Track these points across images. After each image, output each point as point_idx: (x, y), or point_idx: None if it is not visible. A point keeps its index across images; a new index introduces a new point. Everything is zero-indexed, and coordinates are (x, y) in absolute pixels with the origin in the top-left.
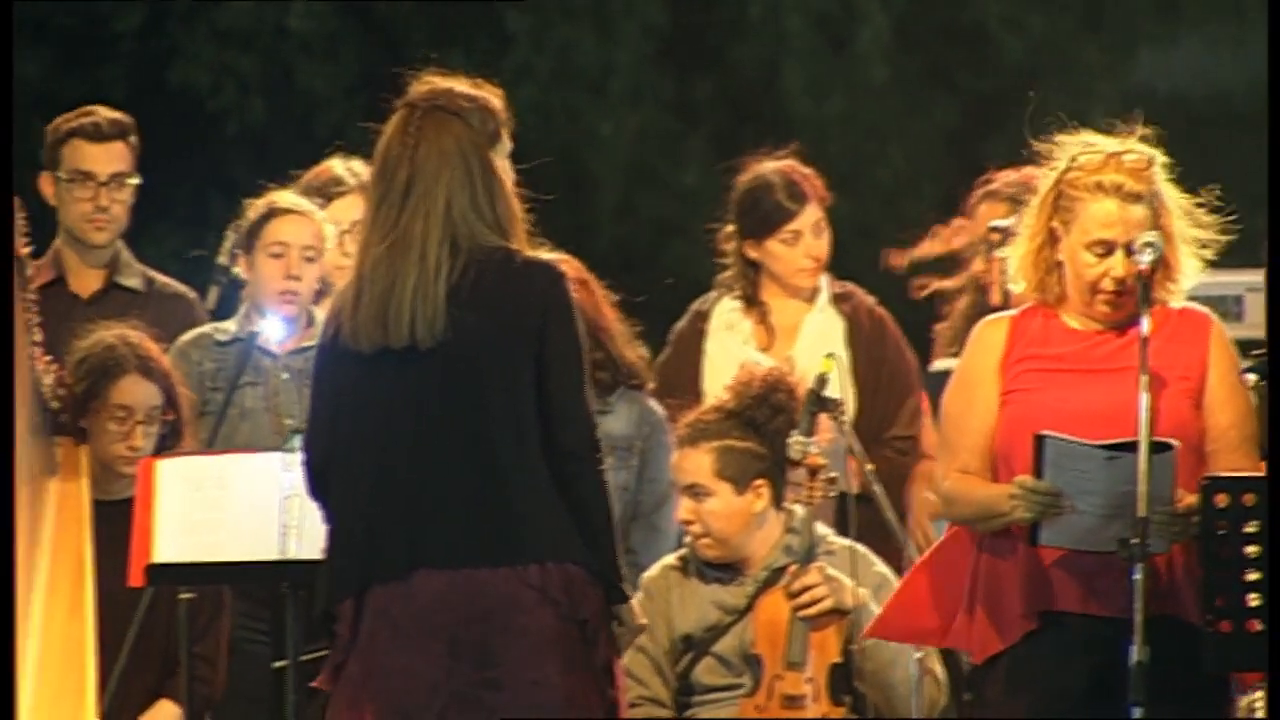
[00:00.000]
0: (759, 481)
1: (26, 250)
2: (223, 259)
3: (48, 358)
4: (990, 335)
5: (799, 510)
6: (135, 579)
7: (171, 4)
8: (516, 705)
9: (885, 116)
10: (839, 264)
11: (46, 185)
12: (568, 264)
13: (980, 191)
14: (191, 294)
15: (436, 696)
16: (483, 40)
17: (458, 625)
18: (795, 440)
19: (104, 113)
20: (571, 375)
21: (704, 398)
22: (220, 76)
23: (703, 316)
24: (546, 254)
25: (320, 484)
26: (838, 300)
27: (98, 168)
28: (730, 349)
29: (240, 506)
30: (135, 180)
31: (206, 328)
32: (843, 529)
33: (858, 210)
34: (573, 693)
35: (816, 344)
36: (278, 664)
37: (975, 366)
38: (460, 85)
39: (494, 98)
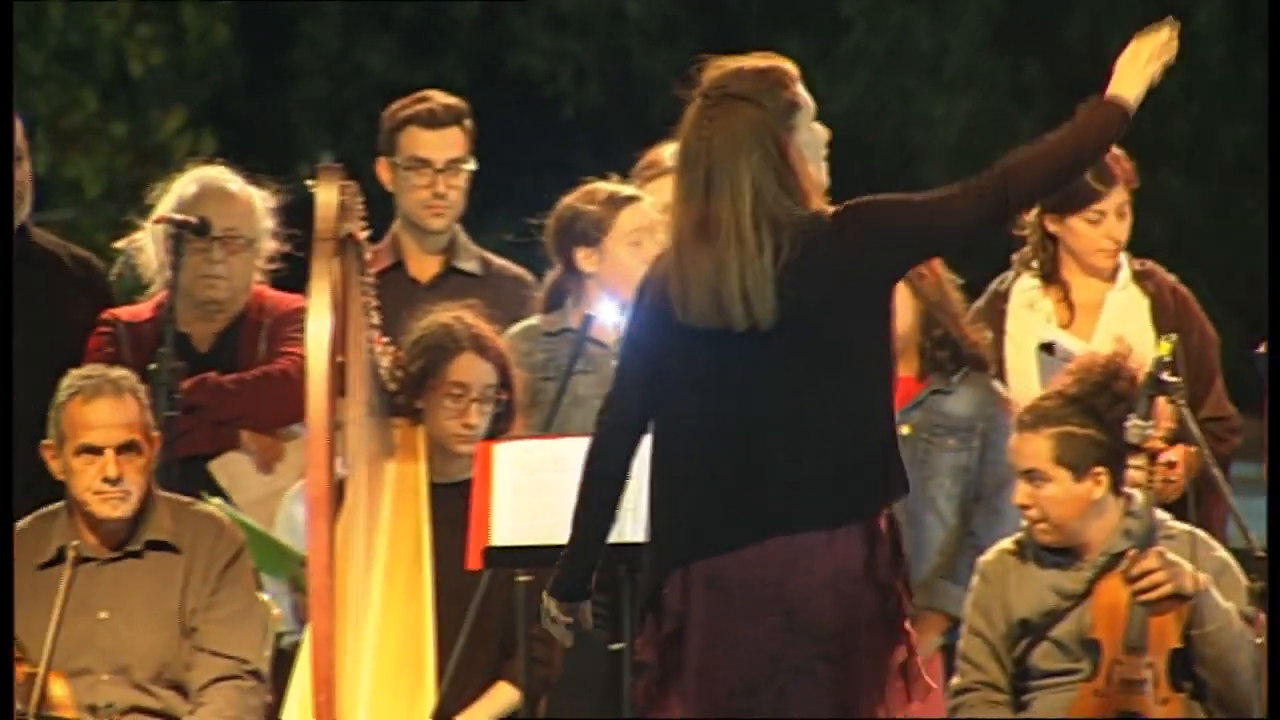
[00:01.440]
0: (1098, 469)
1: (365, 235)
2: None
3: (385, 340)
4: None
5: (1138, 495)
6: (473, 561)
7: None
8: (852, 679)
9: (1223, 93)
10: (1178, 239)
11: (384, 171)
12: None
13: None
14: (529, 276)
15: (777, 669)
16: (819, 23)
17: (796, 598)
18: (1133, 424)
19: (439, 98)
20: None
21: (1006, 377)
22: (557, 62)
23: (1002, 296)
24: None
25: (616, 441)
26: (1139, 278)
27: (434, 154)
28: (1031, 328)
29: (576, 490)
30: (471, 165)
31: (534, 319)
32: (1181, 514)
33: (1194, 187)
34: (894, 662)
35: (1119, 322)
36: (614, 646)
37: None
38: (748, 63)
39: (784, 67)
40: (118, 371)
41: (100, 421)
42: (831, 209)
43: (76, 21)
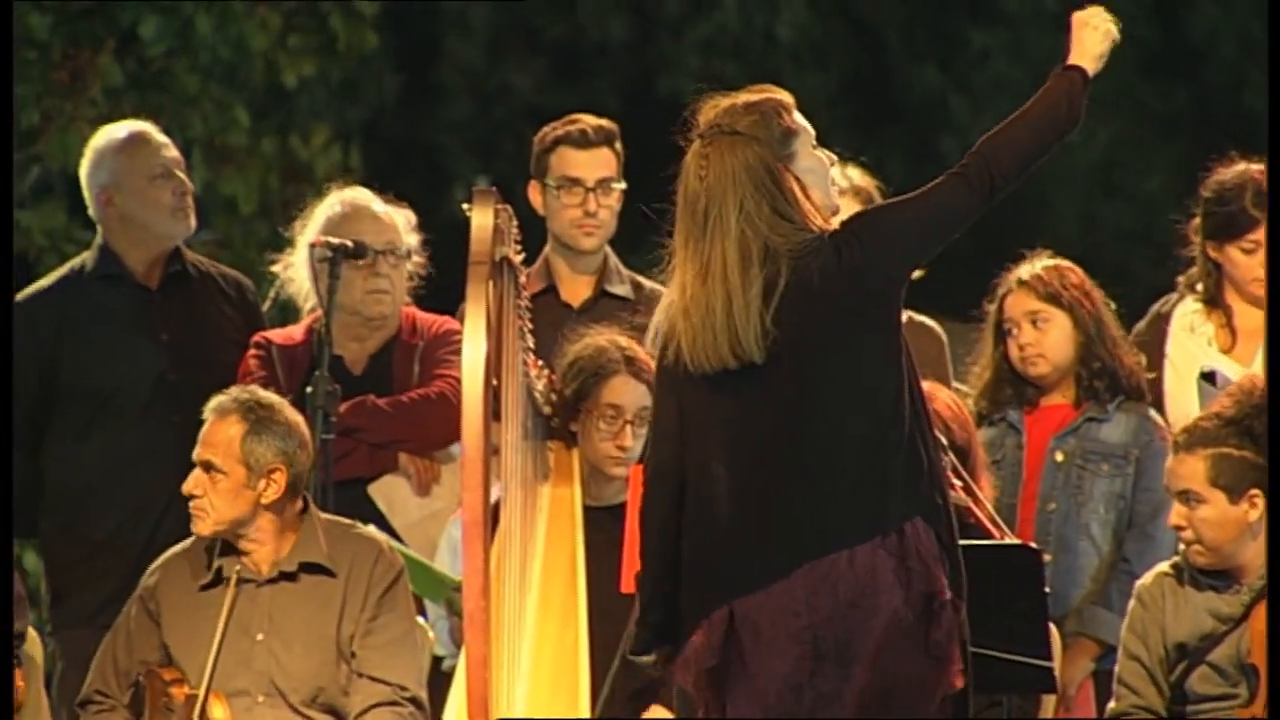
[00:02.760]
0: (1253, 491)
1: (520, 258)
2: None
3: (539, 364)
4: None
5: None
6: (627, 585)
7: (660, 14)
8: (868, 688)
9: None
10: None
11: (535, 194)
12: (1071, 271)
13: None
14: None
15: (805, 697)
16: (957, 50)
17: (822, 623)
18: None
19: (589, 120)
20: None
21: (1165, 399)
22: (707, 86)
23: (1164, 318)
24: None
25: (656, 489)
26: None
27: (585, 173)
28: (1192, 351)
29: None
30: (621, 185)
31: None
32: None
33: None
34: (914, 675)
35: None
36: None
37: None
38: (740, 98)
39: (776, 97)
40: (255, 396)
41: (201, 438)
42: (832, 229)
43: (227, 36)
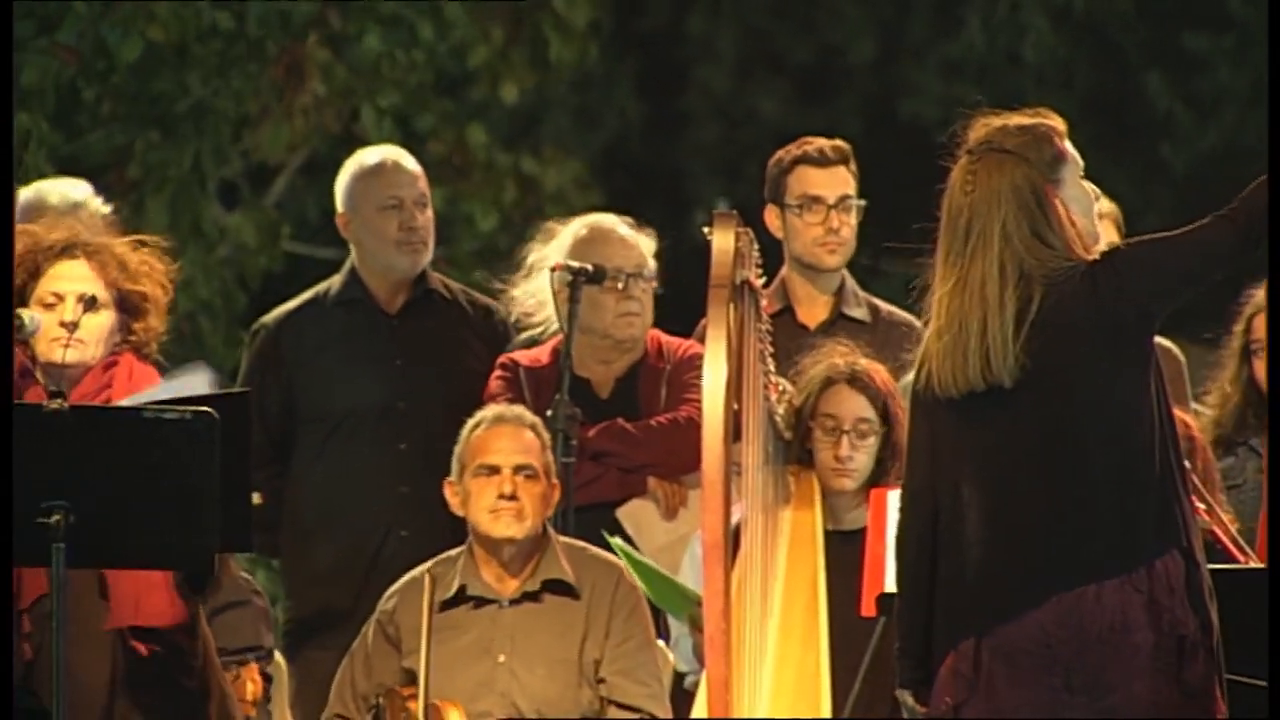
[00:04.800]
0: None
1: (760, 280)
2: None
3: (779, 387)
4: None
5: None
6: (867, 609)
7: (905, 35)
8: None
9: None
10: None
11: (772, 218)
12: None
13: None
14: (919, 324)
15: None
16: (1188, 63)
17: (1072, 655)
18: None
19: (823, 140)
20: None
21: None
22: (950, 109)
23: None
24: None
25: (911, 514)
26: None
27: (826, 191)
28: None
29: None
30: (861, 202)
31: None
32: None
33: None
34: (1170, 709)
35: None
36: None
37: None
38: (1014, 120)
39: (1049, 123)
40: (522, 409)
41: (499, 445)
42: (1091, 258)
43: (449, 49)
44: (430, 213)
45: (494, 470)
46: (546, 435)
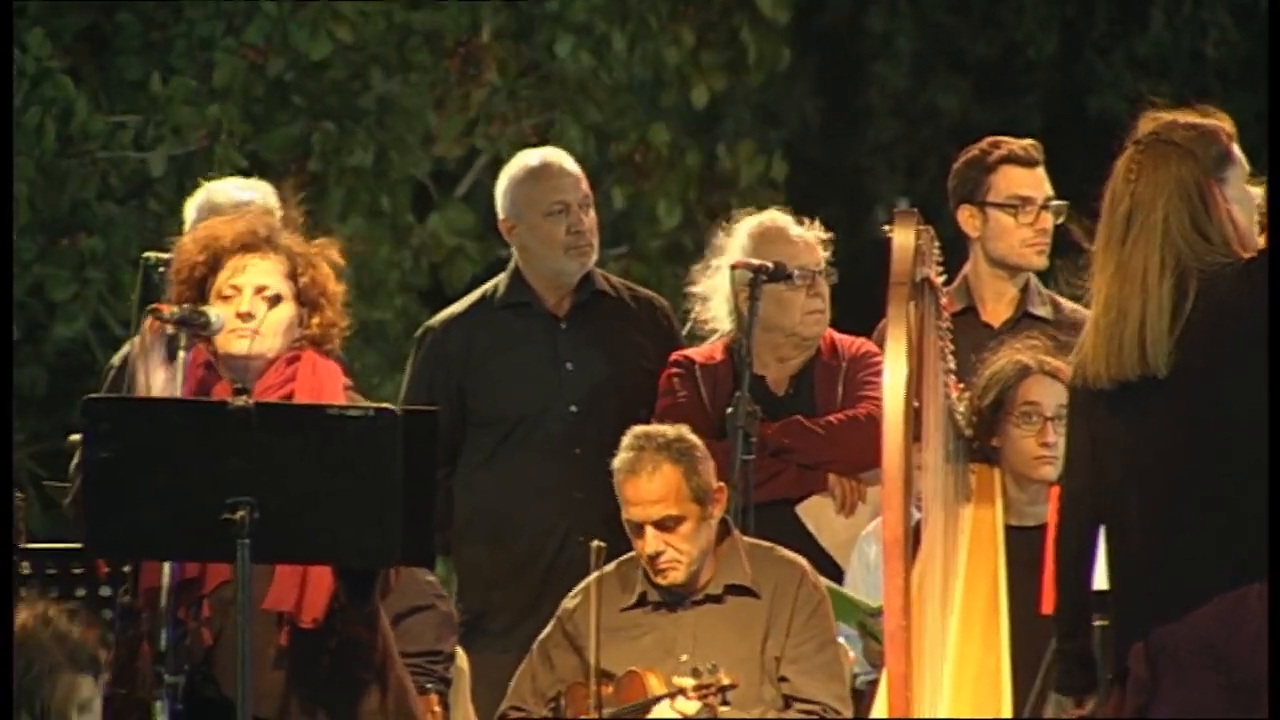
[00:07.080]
0: None
1: (940, 279)
2: None
3: (960, 385)
4: None
5: None
6: (1047, 606)
7: (1089, 32)
8: None
9: None
10: None
11: (969, 218)
12: None
13: None
14: None
15: None
16: None
17: (1235, 655)
18: None
19: (1021, 140)
20: None
21: None
22: (1138, 105)
23: None
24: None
25: (1069, 514)
26: None
27: (1035, 192)
28: None
29: None
30: (1063, 203)
31: None
32: None
33: None
34: None
35: None
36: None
37: None
38: (1184, 116)
39: (1220, 123)
40: (657, 434)
41: (638, 498)
42: (1249, 256)
43: (642, 54)
44: (594, 214)
45: (638, 528)
46: (692, 457)
